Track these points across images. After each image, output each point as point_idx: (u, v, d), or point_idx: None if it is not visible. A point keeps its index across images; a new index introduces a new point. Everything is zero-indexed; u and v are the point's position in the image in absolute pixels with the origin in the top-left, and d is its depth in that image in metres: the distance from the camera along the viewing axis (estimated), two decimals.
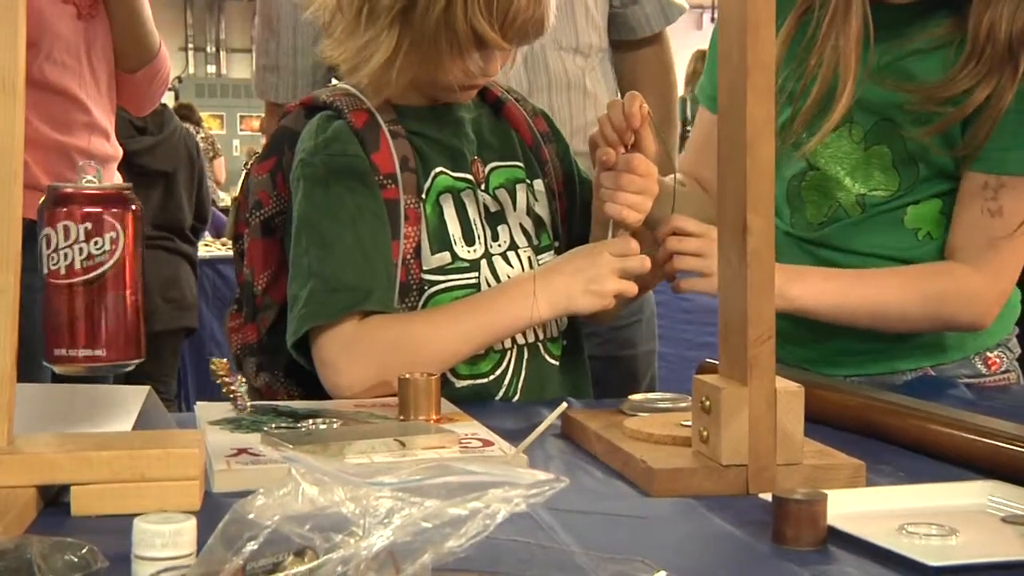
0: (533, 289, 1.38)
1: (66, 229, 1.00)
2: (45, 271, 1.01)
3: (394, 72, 1.38)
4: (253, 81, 2.15)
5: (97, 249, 1.01)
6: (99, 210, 1.01)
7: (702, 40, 1.62)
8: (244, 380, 1.28)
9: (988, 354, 1.60)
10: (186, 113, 7.37)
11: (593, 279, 1.39)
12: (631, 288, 1.41)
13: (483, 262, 1.46)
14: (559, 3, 1.44)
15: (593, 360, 1.63)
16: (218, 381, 1.26)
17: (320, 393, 1.38)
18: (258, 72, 2.09)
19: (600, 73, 2.00)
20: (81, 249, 1.00)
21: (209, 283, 4.65)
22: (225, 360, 1.28)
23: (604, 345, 1.88)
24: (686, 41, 6.04)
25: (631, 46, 2.09)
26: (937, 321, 1.52)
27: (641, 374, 2.02)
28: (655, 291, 2.04)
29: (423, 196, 1.44)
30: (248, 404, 1.26)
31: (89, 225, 1.01)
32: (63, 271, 1.01)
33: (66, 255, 1.00)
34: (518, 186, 1.53)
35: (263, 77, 2.07)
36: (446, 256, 1.44)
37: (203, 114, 8.93)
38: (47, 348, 1.02)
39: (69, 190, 1.01)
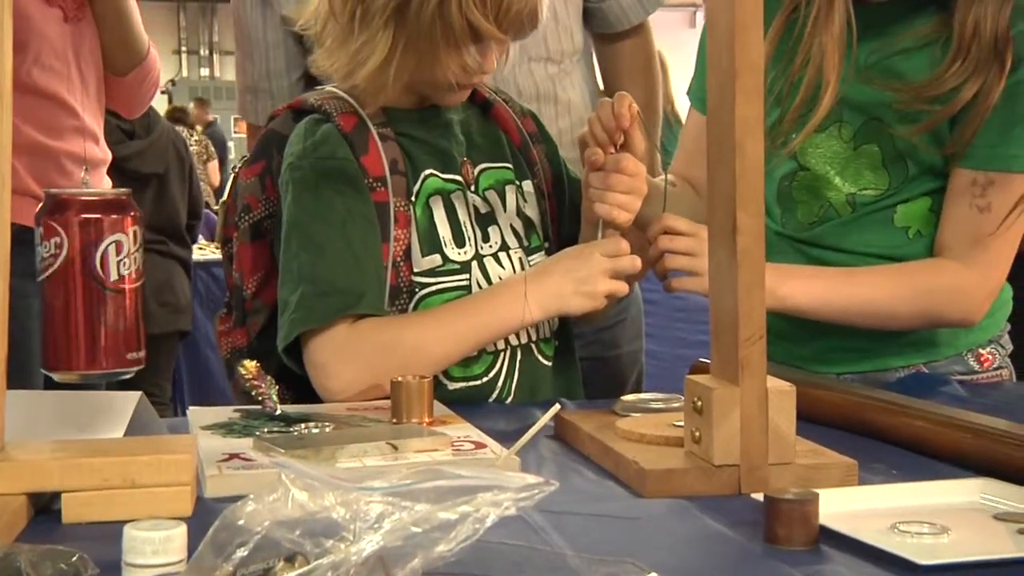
0: (524, 291, 1.38)
1: (135, 234, 1.03)
2: (115, 277, 1.02)
3: (391, 72, 1.38)
4: (236, 102, 2.14)
5: (141, 253, 1.05)
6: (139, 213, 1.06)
7: (694, 38, 1.61)
8: (273, 381, 1.27)
9: (980, 351, 1.60)
10: (180, 116, 7.37)
11: (584, 280, 1.39)
12: (622, 288, 1.41)
13: (474, 264, 1.46)
14: None
15: (579, 362, 1.63)
16: (247, 384, 1.26)
17: (311, 397, 1.38)
18: (240, 94, 2.09)
19: (577, 76, 1.99)
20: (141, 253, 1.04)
21: (203, 286, 4.65)
22: (255, 362, 1.27)
23: (589, 346, 1.87)
24: (679, 39, 6.05)
25: (612, 38, 2.08)
26: (927, 318, 1.52)
27: (627, 374, 2.02)
28: (646, 290, 2.04)
29: (413, 198, 1.44)
30: (278, 406, 1.25)
31: (138, 228, 1.04)
32: (133, 275, 1.03)
33: (135, 259, 1.03)
34: (508, 187, 1.53)
35: (243, 98, 2.07)
36: (437, 258, 1.44)
37: None
38: (111, 355, 1.03)
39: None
